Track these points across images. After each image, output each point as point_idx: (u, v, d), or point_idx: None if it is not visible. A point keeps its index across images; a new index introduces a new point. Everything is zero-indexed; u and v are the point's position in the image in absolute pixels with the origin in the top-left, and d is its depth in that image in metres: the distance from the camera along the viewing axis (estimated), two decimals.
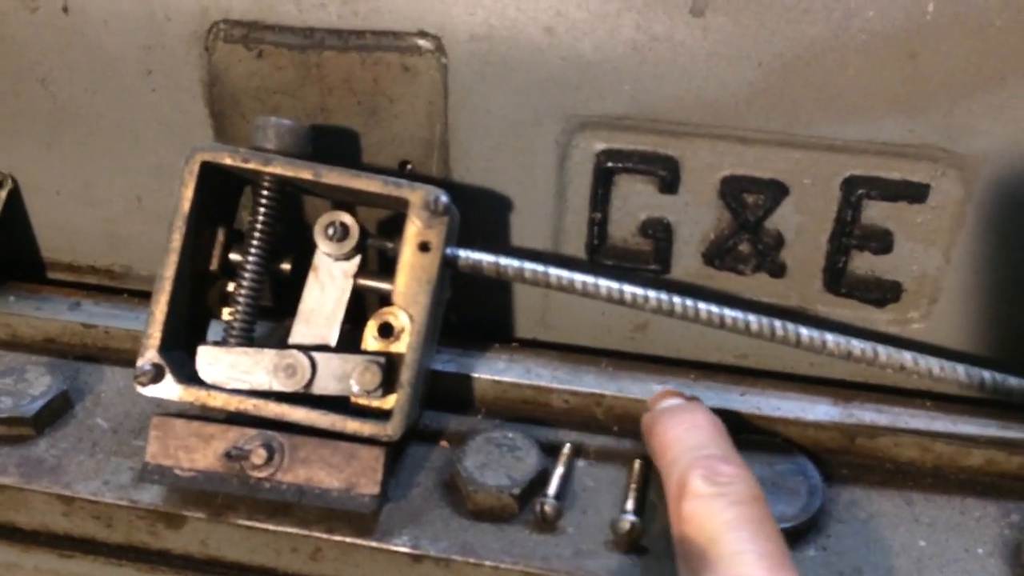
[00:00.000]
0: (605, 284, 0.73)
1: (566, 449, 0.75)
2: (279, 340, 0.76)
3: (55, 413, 0.77)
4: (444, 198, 0.69)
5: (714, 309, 0.72)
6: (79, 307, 0.87)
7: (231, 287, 0.74)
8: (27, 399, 0.77)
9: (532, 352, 0.82)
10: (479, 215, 0.81)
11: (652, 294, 0.72)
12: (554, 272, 0.72)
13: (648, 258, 0.80)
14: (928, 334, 0.77)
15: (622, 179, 0.78)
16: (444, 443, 0.77)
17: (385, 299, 0.73)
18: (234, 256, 0.74)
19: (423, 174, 0.80)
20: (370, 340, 0.71)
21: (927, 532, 0.68)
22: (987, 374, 0.68)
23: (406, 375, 0.69)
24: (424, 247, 0.70)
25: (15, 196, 0.89)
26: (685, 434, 0.67)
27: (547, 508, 0.68)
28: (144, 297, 0.90)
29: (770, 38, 0.69)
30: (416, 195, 0.69)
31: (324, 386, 0.69)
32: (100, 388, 0.82)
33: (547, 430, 0.78)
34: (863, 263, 0.76)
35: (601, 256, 0.81)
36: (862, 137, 0.70)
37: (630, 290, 0.73)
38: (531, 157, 0.77)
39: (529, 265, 0.72)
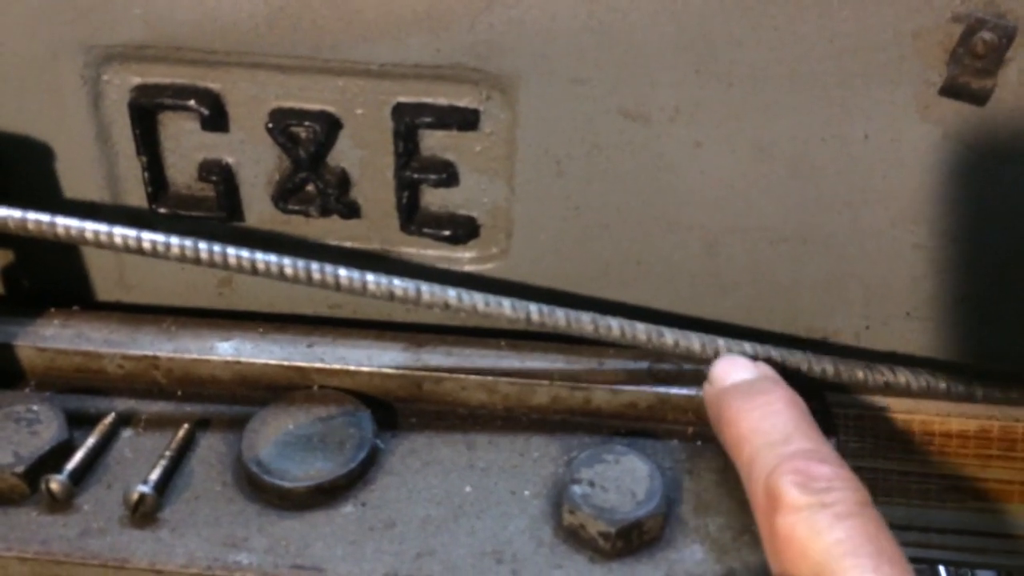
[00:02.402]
0: (151, 238, 0.67)
1: (108, 419, 0.69)
2: None
3: None
4: None
5: (273, 260, 0.67)
6: None
7: None
8: None
9: (91, 315, 0.77)
10: (19, 166, 0.74)
11: (198, 245, 0.67)
12: (64, 223, 0.66)
13: (213, 205, 0.75)
14: (509, 271, 0.75)
15: (167, 118, 0.72)
16: None
17: None
18: None
19: None
20: None
21: (478, 477, 0.67)
22: (534, 307, 0.67)
23: None
24: None
25: None
26: (762, 422, 0.57)
27: (53, 486, 0.63)
28: None
29: None
30: None
31: None
32: None
33: (102, 399, 0.72)
34: (435, 198, 0.74)
35: (163, 205, 0.76)
36: (394, 60, 0.67)
37: (178, 243, 0.67)
38: (59, 96, 0.71)
39: (34, 216, 0.66)
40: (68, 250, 0.79)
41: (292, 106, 0.71)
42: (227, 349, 0.73)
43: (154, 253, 0.67)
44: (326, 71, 0.69)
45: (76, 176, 0.75)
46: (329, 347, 0.73)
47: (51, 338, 0.74)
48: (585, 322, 0.67)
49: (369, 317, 0.79)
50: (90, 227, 0.67)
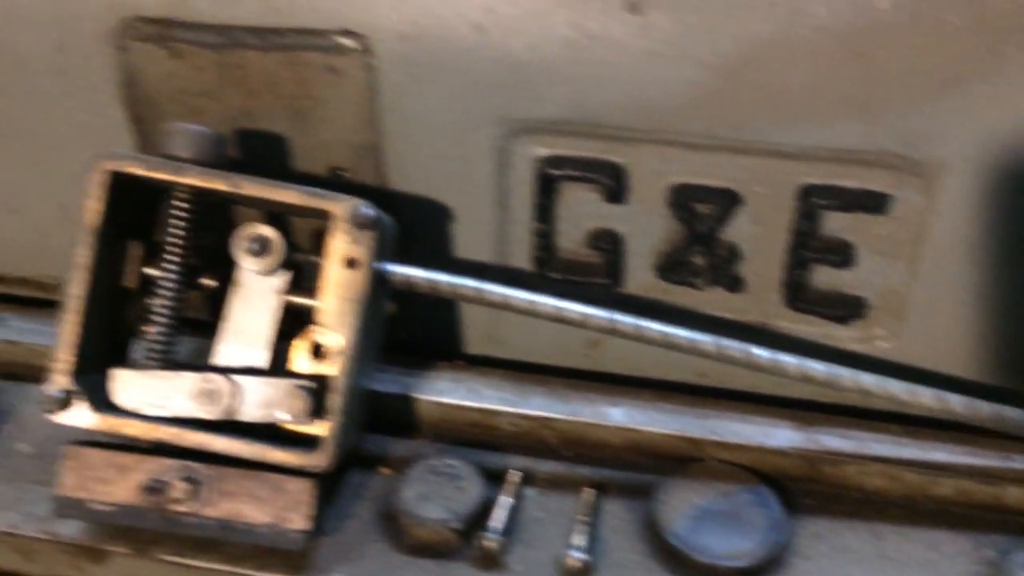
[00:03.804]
0: (546, 302, 0.72)
1: (513, 477, 0.74)
2: (205, 360, 0.75)
3: None
4: (369, 210, 0.68)
5: (665, 329, 0.71)
6: (5, 323, 0.87)
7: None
8: None
9: (479, 371, 0.82)
10: (419, 226, 0.80)
11: (592, 311, 0.71)
12: (491, 289, 0.71)
13: (598, 271, 0.79)
14: (896, 353, 0.76)
15: (566, 187, 0.77)
16: (385, 470, 0.76)
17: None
18: (151, 271, 0.73)
19: (357, 182, 0.79)
20: (300, 361, 0.71)
21: (897, 569, 0.67)
22: (957, 399, 0.67)
23: (337, 402, 0.68)
24: (351, 263, 0.69)
25: None
26: None
27: (489, 544, 0.68)
28: None
29: (712, 37, 0.67)
30: (338, 207, 0.69)
31: (249, 412, 0.68)
32: (24, 409, 0.82)
33: (494, 455, 0.77)
34: (824, 277, 0.75)
35: (548, 269, 0.80)
36: (814, 143, 0.69)
37: (572, 308, 0.72)
38: (469, 164, 0.76)
39: (466, 282, 0.72)
40: (447, 305, 0.84)
41: (695, 182, 0.74)
42: (619, 415, 0.76)
43: (536, 313, 0.72)
44: (737, 151, 0.71)
45: (471, 239, 0.80)
46: (719, 420, 0.75)
47: (446, 392, 0.79)
48: (1011, 419, 0.67)
49: (734, 387, 0.82)
50: (491, 289, 0.72)
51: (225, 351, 0.72)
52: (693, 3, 0.67)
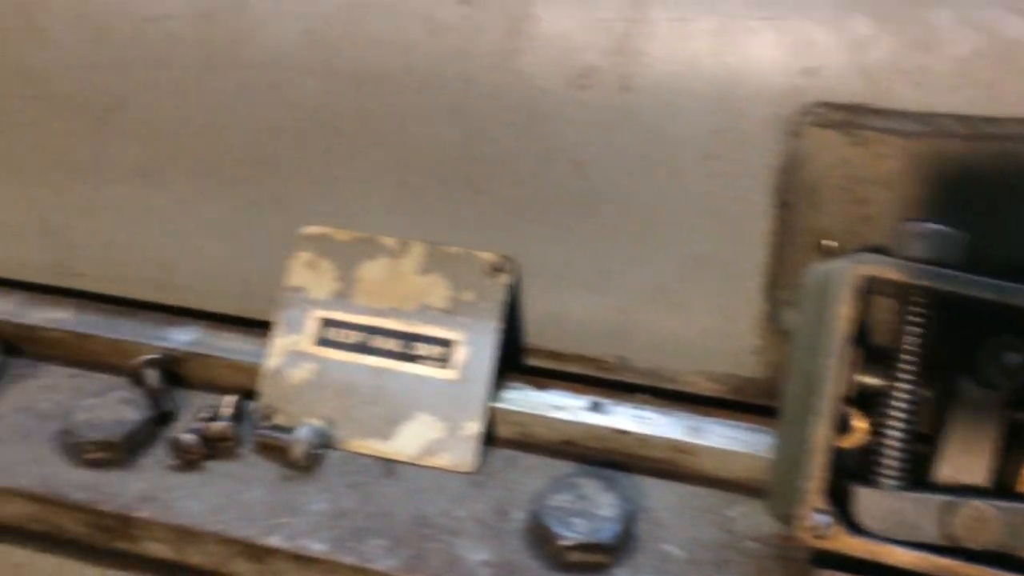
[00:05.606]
0: None
1: None
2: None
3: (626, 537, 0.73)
4: None
5: None
6: (601, 408, 0.83)
7: (860, 416, 0.68)
8: (598, 520, 0.73)
9: None
10: None
11: None
12: None
13: None
14: None
15: None
16: None
17: None
18: (868, 379, 0.68)
19: None
20: None
21: None
22: None
23: None
24: None
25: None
26: None
27: None
28: (657, 395, 0.85)
29: None
30: None
31: (1004, 543, 0.63)
32: (651, 505, 0.77)
33: None
34: None
35: None
36: None
37: None
38: None
39: None
40: None
41: None
42: None
43: None
44: None
45: None
46: None
47: None
48: None
49: None
50: None
51: (946, 469, 0.67)
52: None
